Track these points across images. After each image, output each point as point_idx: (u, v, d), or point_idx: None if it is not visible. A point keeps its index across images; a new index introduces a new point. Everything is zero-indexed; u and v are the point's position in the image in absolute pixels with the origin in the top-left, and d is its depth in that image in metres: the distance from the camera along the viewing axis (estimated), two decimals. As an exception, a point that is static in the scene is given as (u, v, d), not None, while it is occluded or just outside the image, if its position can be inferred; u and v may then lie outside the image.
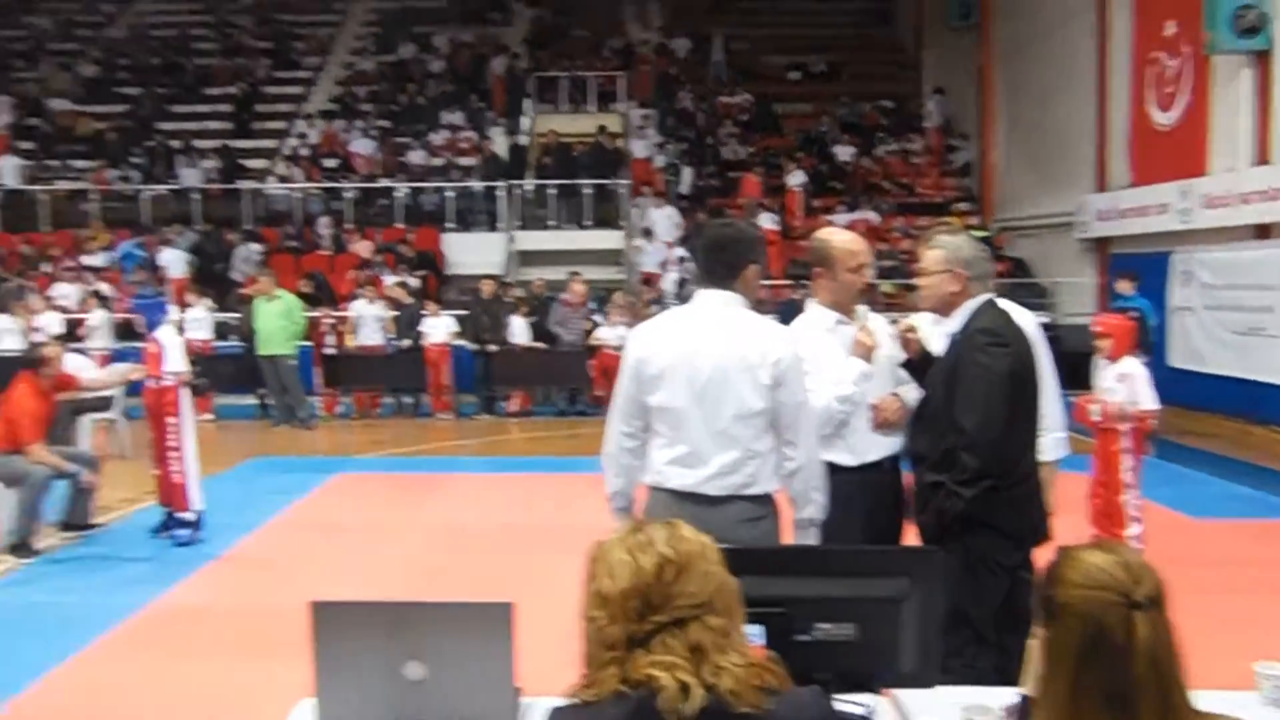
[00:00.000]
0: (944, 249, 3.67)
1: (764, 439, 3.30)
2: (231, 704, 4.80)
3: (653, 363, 3.33)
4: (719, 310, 3.36)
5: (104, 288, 15.66)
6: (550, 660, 2.32)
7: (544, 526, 8.09)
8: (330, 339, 14.75)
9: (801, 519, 3.42)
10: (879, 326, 3.91)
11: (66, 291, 15.69)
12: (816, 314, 3.85)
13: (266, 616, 5.94)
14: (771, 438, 3.31)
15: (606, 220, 18.66)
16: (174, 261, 17.06)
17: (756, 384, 3.24)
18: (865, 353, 3.76)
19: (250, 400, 14.23)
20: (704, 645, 1.73)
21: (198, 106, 22.27)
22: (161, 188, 19.45)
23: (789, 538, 3.41)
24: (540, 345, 14.51)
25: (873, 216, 17.62)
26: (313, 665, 2.35)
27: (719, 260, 3.40)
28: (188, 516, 7.56)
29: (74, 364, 8.85)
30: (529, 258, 18.37)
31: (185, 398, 7.62)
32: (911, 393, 3.84)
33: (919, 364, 3.81)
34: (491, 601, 2.35)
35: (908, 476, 3.84)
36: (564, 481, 9.92)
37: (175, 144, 20.39)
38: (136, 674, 5.18)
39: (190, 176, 19.61)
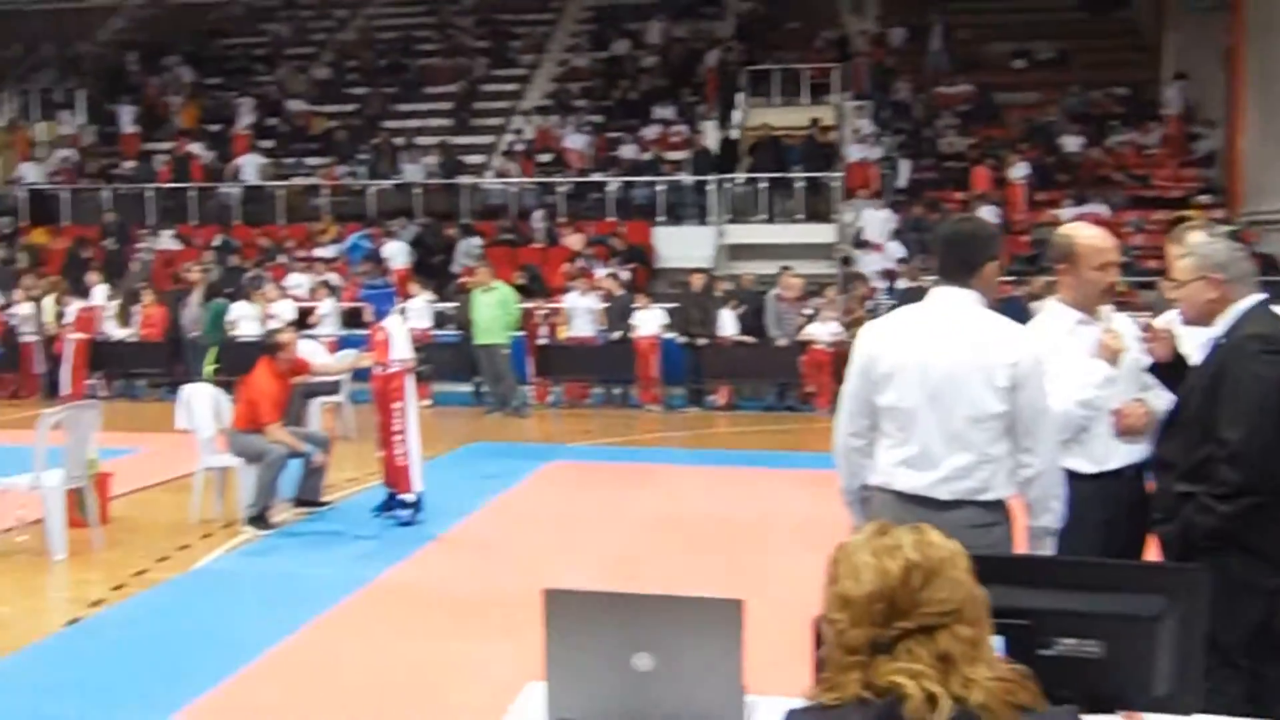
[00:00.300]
0: (1195, 255, 3.43)
1: (1000, 443, 3.16)
2: (451, 680, 4.90)
3: (883, 361, 3.24)
4: (956, 309, 3.24)
5: (332, 278, 16.47)
6: (761, 657, 2.33)
7: (752, 521, 7.99)
8: (543, 329, 15.07)
9: (1037, 527, 3.27)
10: (1124, 328, 3.71)
11: (299, 281, 16.56)
12: (1057, 313, 3.69)
13: (483, 598, 6.08)
14: (1008, 442, 3.17)
15: (818, 214, 18.33)
16: (397, 253, 17.75)
17: (993, 386, 3.12)
18: (1111, 356, 3.57)
19: (466, 388, 14.70)
20: (953, 655, 1.68)
21: (420, 105, 23.15)
22: (386, 183, 20.31)
23: (1021, 547, 3.30)
24: (749, 339, 14.39)
25: (1103, 210, 16.64)
26: (543, 651, 2.36)
27: (957, 257, 3.30)
28: (409, 498, 7.80)
29: (305, 349, 9.31)
30: (738, 251, 18.23)
31: (410, 384, 7.87)
32: (1157, 399, 3.62)
33: (1168, 368, 3.60)
34: (722, 597, 2.32)
35: (1149, 485, 3.62)
36: (772, 477, 9.80)
37: (399, 141, 21.25)
38: (364, 645, 5.37)
39: (412, 172, 20.39)
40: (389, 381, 7.78)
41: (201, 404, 8.09)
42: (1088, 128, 19.07)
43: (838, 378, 13.88)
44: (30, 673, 4.98)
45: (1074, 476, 3.41)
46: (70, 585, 6.37)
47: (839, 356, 14.21)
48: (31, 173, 21.39)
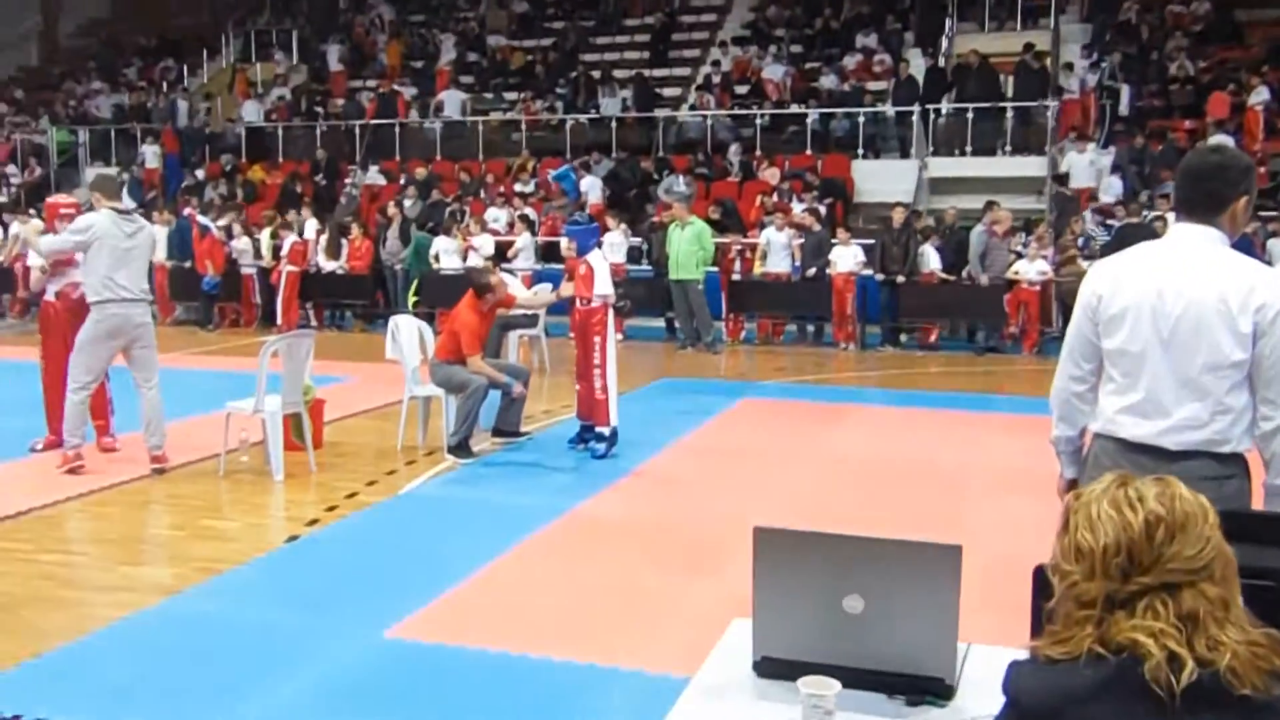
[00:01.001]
0: None
1: (1239, 393, 2.92)
2: (652, 611, 4.90)
3: (1114, 301, 3.01)
4: (1198, 247, 2.96)
5: (529, 212, 16.68)
6: (964, 603, 2.25)
7: (950, 465, 7.72)
8: (738, 265, 14.89)
9: (1277, 484, 2.97)
10: None
11: (497, 215, 16.85)
12: None
13: (679, 533, 6.05)
14: (1248, 392, 2.93)
15: (1028, 147, 17.39)
16: (592, 188, 17.84)
17: (1236, 332, 2.87)
18: None
19: (658, 323, 14.70)
20: (1199, 615, 1.59)
21: (617, 38, 23.10)
22: (582, 116, 20.38)
23: (1258, 505, 2.99)
24: (951, 277, 13.83)
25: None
26: (753, 589, 2.36)
27: (1202, 191, 3.00)
28: (605, 431, 7.82)
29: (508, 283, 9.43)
30: (941, 185, 17.52)
31: (610, 319, 7.86)
32: None
33: None
34: (940, 542, 2.21)
35: None
36: (971, 420, 9.42)
37: (596, 74, 21.26)
38: (566, 572, 5.43)
39: (609, 105, 20.39)
40: (590, 316, 7.78)
41: (407, 335, 8.30)
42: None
43: (1044, 319, 13.37)
44: (257, 585, 5.23)
45: None
46: (288, 505, 6.66)
47: (1045, 296, 13.60)
48: (250, 111, 22.45)
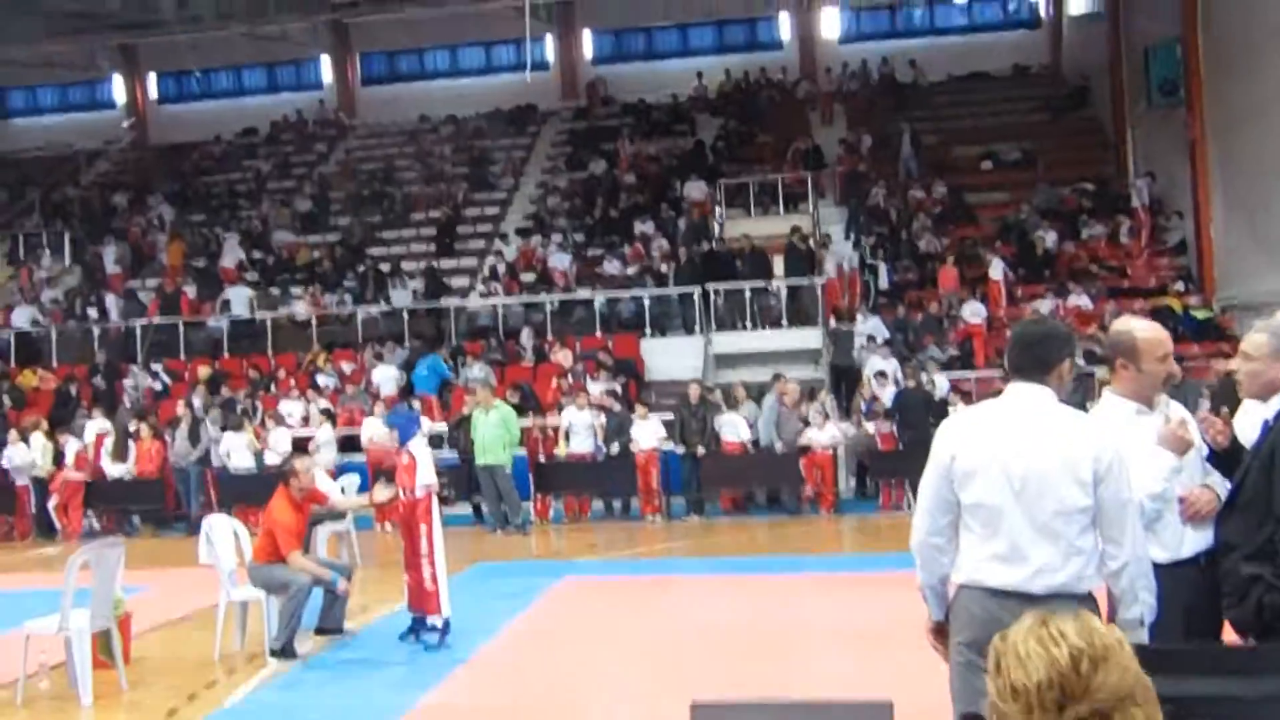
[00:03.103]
0: (1273, 335, 3.69)
1: (1087, 536, 3.22)
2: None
3: (966, 459, 3.32)
4: (1033, 406, 3.33)
5: (327, 404, 16.48)
6: None
7: (783, 626, 7.99)
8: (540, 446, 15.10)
9: (1129, 619, 3.28)
10: (1181, 416, 3.80)
11: (291, 409, 16.55)
12: (1114, 405, 3.78)
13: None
14: (1093, 535, 3.25)
15: (803, 319, 18.61)
16: (385, 379, 17.80)
17: (1078, 480, 3.21)
18: (1182, 447, 3.67)
19: (464, 509, 14.64)
20: None
21: (403, 231, 23.52)
22: (373, 308, 20.48)
23: None
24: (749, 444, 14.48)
25: (1083, 302, 17.03)
26: None
27: (1031, 356, 3.40)
28: (437, 621, 7.73)
29: (320, 483, 9.29)
30: (726, 360, 18.44)
31: (436, 508, 7.87)
32: (1220, 484, 3.74)
33: (1223, 453, 3.74)
34: (871, 700, 2.38)
35: None
36: (788, 582, 9.79)
37: (384, 267, 21.51)
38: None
39: (399, 297, 20.60)
40: (415, 506, 7.77)
41: (221, 537, 8.05)
42: (1059, 223, 19.64)
43: (837, 480, 14.13)
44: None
45: None
46: (103, 729, 6.26)
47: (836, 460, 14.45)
48: (20, 316, 21.42)
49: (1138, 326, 3.84)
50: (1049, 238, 19.03)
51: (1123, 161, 21.28)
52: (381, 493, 8.10)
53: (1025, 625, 1.84)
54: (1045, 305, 16.83)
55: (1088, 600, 3.23)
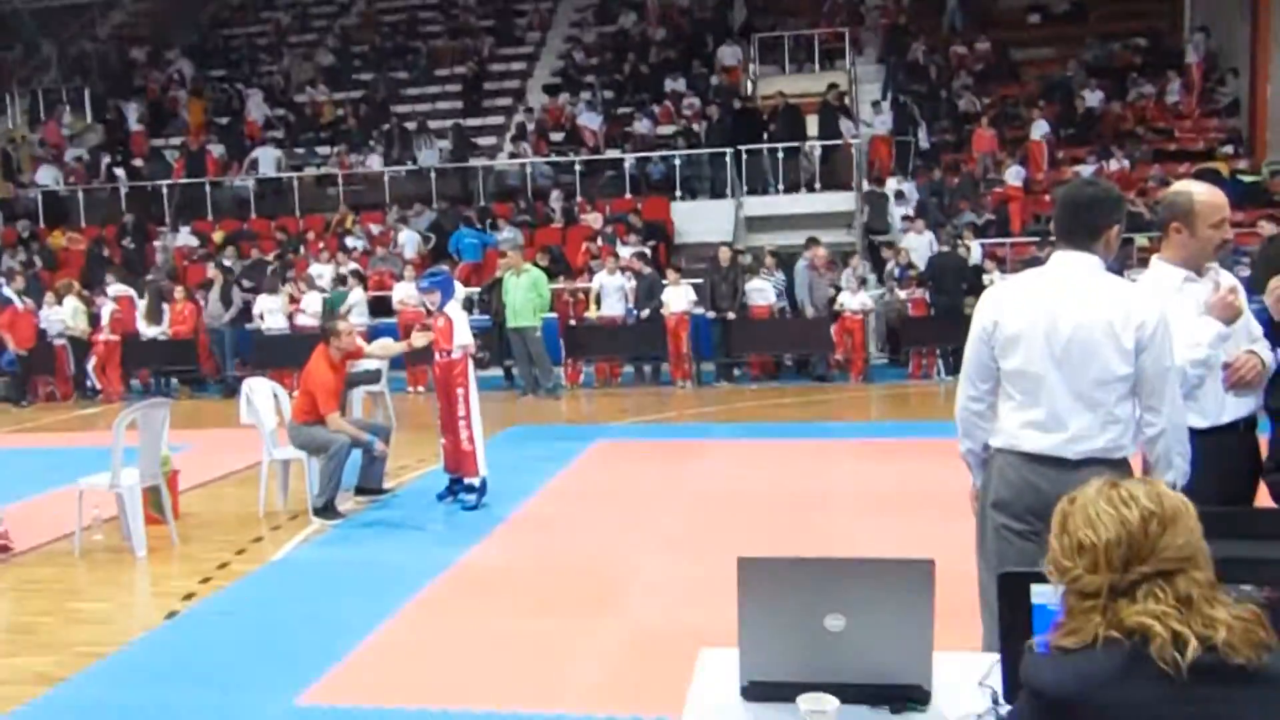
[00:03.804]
0: None
1: (1126, 404, 3.22)
2: (558, 653, 4.95)
3: (1007, 326, 3.30)
4: (1079, 272, 3.28)
5: (357, 267, 16.45)
6: None
7: (809, 491, 8.07)
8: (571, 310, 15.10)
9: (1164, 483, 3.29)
10: (1232, 283, 3.72)
11: (321, 271, 16.54)
12: (1163, 272, 3.71)
13: (567, 575, 6.13)
14: (1131, 403, 3.23)
15: (836, 184, 18.30)
16: (408, 242, 17.72)
17: (1120, 348, 3.17)
18: (1232, 315, 3.59)
19: (496, 372, 14.73)
20: (1193, 597, 1.78)
21: (429, 88, 23.08)
22: (400, 169, 20.27)
23: None
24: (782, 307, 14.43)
25: (1125, 165, 16.63)
26: (738, 618, 2.46)
27: (1079, 221, 3.32)
28: (474, 482, 7.84)
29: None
30: (756, 223, 18.24)
31: (472, 370, 7.90)
32: (1265, 350, 3.68)
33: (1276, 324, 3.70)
34: (913, 559, 2.41)
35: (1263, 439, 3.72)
36: (815, 448, 9.86)
37: (410, 125, 21.19)
38: (465, 625, 5.41)
39: (426, 157, 20.34)
40: (451, 368, 7.80)
41: (262, 398, 8.13)
42: (1107, 82, 18.99)
43: (867, 346, 14.11)
44: (147, 666, 5.01)
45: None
46: (157, 580, 6.41)
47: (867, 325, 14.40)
48: (45, 175, 21.33)
49: (1196, 189, 3.73)
50: (1094, 97, 18.46)
51: (1178, 15, 20.42)
52: (420, 338, 8.10)
53: (1094, 487, 1.90)
54: (1086, 169, 16.43)
55: (1122, 465, 3.25)
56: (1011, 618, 2.36)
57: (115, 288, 15.51)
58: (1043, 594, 2.33)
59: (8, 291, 15.26)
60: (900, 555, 2.59)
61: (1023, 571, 2.42)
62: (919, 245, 15.27)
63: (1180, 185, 3.81)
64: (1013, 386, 3.31)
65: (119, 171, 21.18)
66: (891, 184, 17.48)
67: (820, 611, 2.40)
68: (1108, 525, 1.82)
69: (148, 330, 15.08)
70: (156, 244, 19.01)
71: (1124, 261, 13.11)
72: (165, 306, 15.15)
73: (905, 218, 16.61)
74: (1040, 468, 3.23)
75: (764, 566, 2.49)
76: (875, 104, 19.36)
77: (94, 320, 14.94)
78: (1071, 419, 3.22)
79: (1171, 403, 3.23)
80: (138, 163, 21.49)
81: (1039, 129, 17.64)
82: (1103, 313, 3.19)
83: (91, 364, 14.89)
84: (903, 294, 14.52)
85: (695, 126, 19.43)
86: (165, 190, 20.26)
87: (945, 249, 14.52)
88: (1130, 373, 3.19)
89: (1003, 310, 3.32)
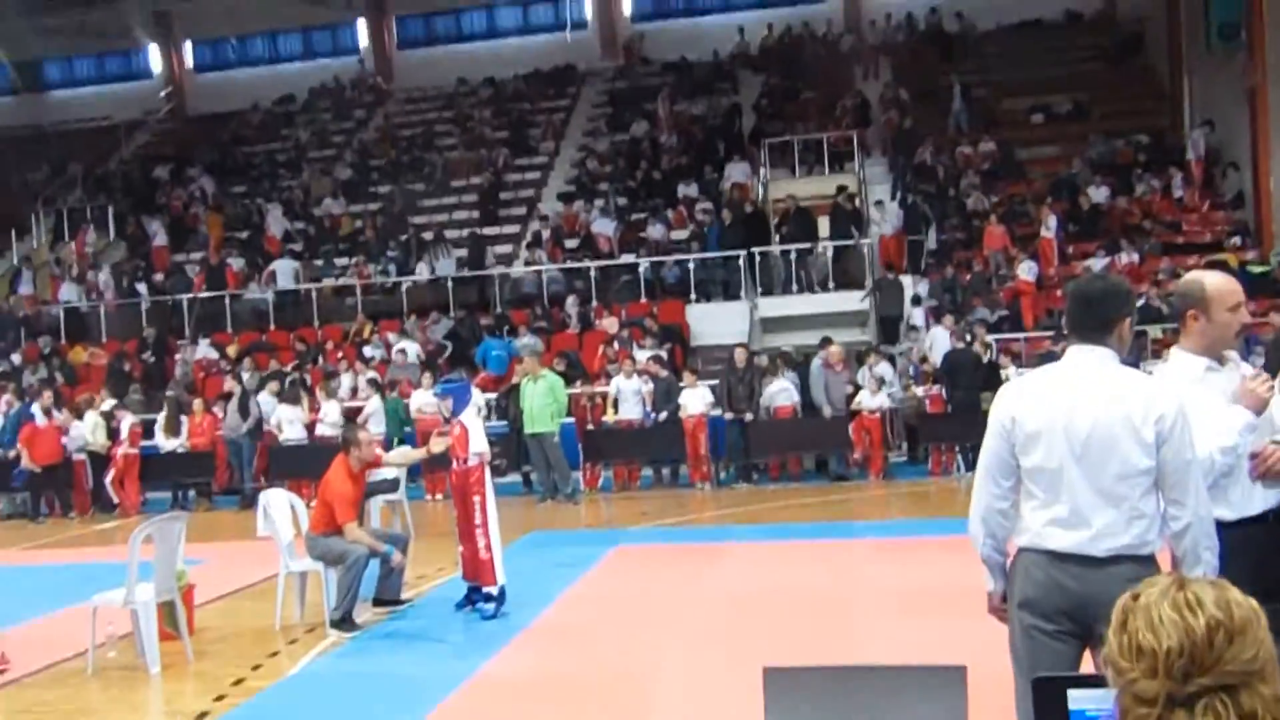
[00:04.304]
0: None
1: (1150, 498, 3.18)
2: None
3: (1026, 423, 3.27)
4: (1094, 366, 3.26)
5: (376, 376, 16.52)
6: None
7: (837, 592, 7.93)
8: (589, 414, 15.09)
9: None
10: (1260, 372, 3.71)
11: (340, 381, 16.60)
12: (1184, 361, 3.66)
13: (591, 685, 6.02)
14: (1155, 498, 3.18)
15: (849, 282, 18.41)
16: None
17: (1141, 441, 3.15)
18: (1260, 404, 3.54)
19: (515, 478, 14.68)
20: (1257, 715, 1.65)
21: (445, 199, 23.49)
22: (417, 278, 20.49)
23: None
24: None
25: (1134, 259, 16.71)
26: None
27: (1091, 315, 3.32)
28: (493, 591, 7.74)
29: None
30: (771, 324, 18.31)
31: (489, 477, 7.86)
32: None
33: None
34: (944, 665, 2.34)
35: None
36: (845, 547, 9.72)
37: (427, 235, 21.51)
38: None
39: (443, 266, 20.58)
40: (468, 475, 7.77)
41: (279, 509, 8.09)
42: (1112, 178, 19.22)
43: (886, 444, 14.03)
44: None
45: (1215, 525, 3.36)
46: (171, 698, 6.30)
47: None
48: (67, 291, 21.68)
49: (1208, 276, 3.73)
50: (1100, 193, 18.65)
51: (1178, 111, 20.75)
52: (438, 444, 8.07)
53: (1160, 586, 1.78)
54: (1097, 263, 16.51)
55: (1149, 561, 3.19)
56: (1042, 720, 2.28)
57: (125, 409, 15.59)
58: (1081, 699, 2.23)
59: (34, 409, 15.33)
60: (929, 659, 2.52)
61: (1058, 676, 2.35)
62: (940, 340, 15.28)
63: (1192, 275, 3.80)
64: (1034, 484, 3.27)
65: (141, 287, 21.47)
66: (906, 281, 17.56)
67: None
68: (1170, 632, 1.70)
69: (166, 443, 15.12)
70: (177, 357, 19.17)
71: (1139, 354, 13.07)
72: (184, 419, 15.22)
73: (930, 309, 16.65)
74: (1068, 566, 3.18)
75: (791, 677, 2.46)
76: (878, 203, 19.56)
77: (113, 434, 14.99)
78: (1095, 515, 3.17)
79: (1196, 495, 3.18)
80: (159, 277, 21.81)
81: (1049, 225, 17.74)
82: (1121, 406, 3.16)
83: (109, 477, 14.90)
84: (919, 391, 14.48)
85: (707, 230, 19.63)
86: (186, 304, 20.51)
87: (960, 345, 14.52)
88: (1152, 466, 3.15)
89: (1021, 406, 3.30)
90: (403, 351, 17.38)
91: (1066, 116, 21.38)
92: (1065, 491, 3.19)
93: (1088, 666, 3.16)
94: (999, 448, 3.33)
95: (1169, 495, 3.17)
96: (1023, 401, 3.30)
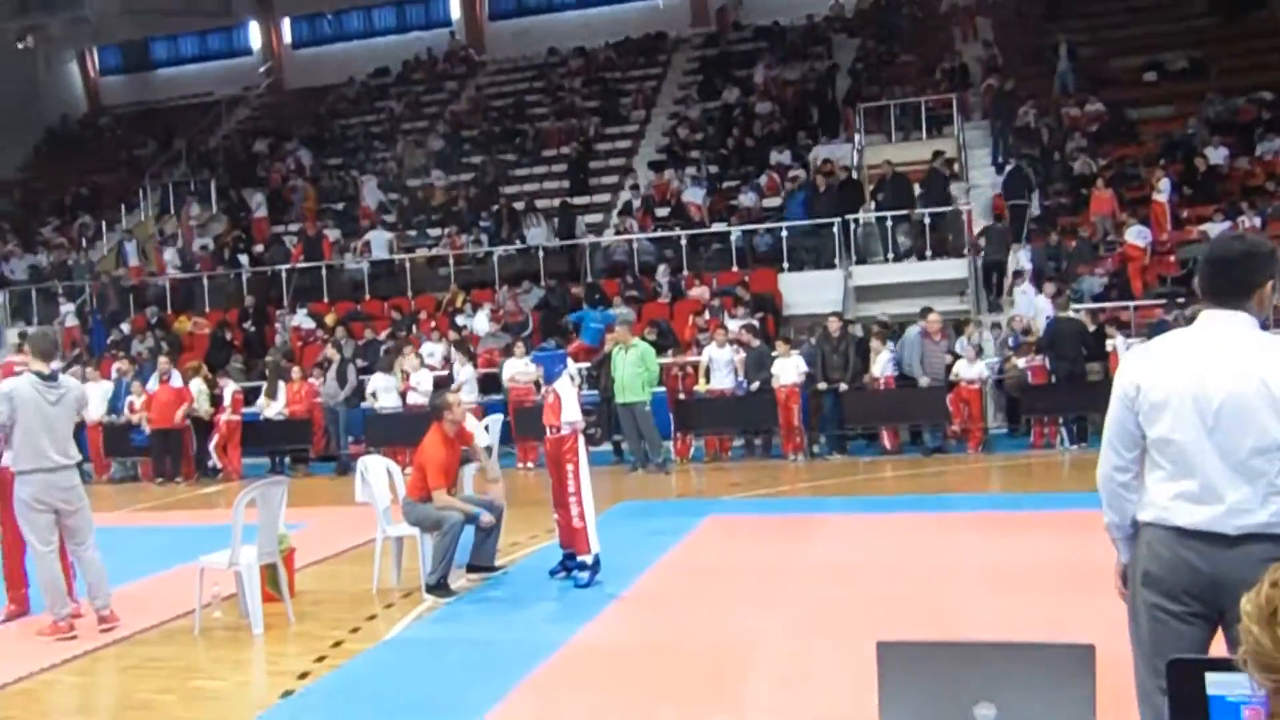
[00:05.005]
0: None
1: None
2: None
3: (1153, 391, 3.07)
4: (1230, 332, 3.05)
5: (469, 345, 16.67)
6: None
7: (935, 565, 7.74)
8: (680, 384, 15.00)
9: None
10: None
11: (433, 350, 16.79)
12: None
13: (688, 653, 5.95)
14: None
15: (945, 250, 17.99)
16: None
17: None
18: None
19: (605, 447, 14.67)
20: None
21: (536, 168, 23.53)
22: (509, 248, 20.58)
23: None
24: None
25: (1256, 223, 15.93)
26: (879, 704, 2.35)
27: (1229, 278, 3.11)
28: (587, 559, 7.72)
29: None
30: (865, 293, 17.99)
31: (582, 445, 7.83)
32: None
33: None
34: (1072, 643, 2.21)
35: None
36: (937, 521, 9.50)
37: (518, 205, 21.57)
38: (584, 705, 5.27)
39: (534, 235, 20.63)
40: (561, 444, 7.74)
41: (376, 475, 8.17)
42: (1231, 137, 18.36)
43: (985, 416, 13.69)
44: (260, 749, 4.99)
45: None
46: (273, 659, 6.41)
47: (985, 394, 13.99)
48: (174, 262, 22.27)
49: None
50: (1218, 154, 17.83)
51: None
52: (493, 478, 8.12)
53: None
54: (1214, 228, 15.81)
55: None
56: (1185, 711, 2.13)
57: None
58: (1220, 683, 2.08)
59: (153, 376, 15.80)
60: (1037, 636, 2.38)
61: (1195, 658, 2.19)
62: (1043, 308, 14.82)
63: None
64: (1161, 455, 3.09)
65: (242, 258, 21.95)
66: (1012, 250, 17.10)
67: (969, 700, 2.26)
68: None
69: (266, 410, 15.45)
70: (276, 326, 19.57)
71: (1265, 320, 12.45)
72: (282, 385, 15.52)
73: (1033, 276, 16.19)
74: (1195, 543, 3.00)
75: (907, 651, 2.34)
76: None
77: (216, 401, 15.36)
78: (1228, 491, 2.98)
79: None
80: (259, 249, 22.27)
81: (1161, 189, 17.03)
82: (1259, 374, 2.96)
83: (213, 443, 15.27)
84: (1021, 361, 14.08)
85: (790, 196, 19.27)
86: (284, 274, 20.91)
87: (1064, 314, 14.06)
88: None
89: (1146, 374, 3.11)
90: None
91: (1182, 74, 20.39)
92: (1195, 465, 3.01)
93: (1212, 650, 2.99)
94: (1122, 416, 3.16)
95: None
96: (1149, 368, 3.12)
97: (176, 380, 15.47)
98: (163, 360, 16.06)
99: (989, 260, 17.18)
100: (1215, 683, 2.10)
